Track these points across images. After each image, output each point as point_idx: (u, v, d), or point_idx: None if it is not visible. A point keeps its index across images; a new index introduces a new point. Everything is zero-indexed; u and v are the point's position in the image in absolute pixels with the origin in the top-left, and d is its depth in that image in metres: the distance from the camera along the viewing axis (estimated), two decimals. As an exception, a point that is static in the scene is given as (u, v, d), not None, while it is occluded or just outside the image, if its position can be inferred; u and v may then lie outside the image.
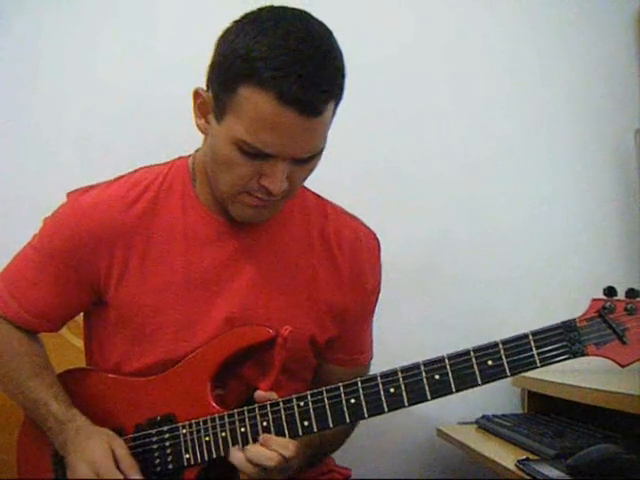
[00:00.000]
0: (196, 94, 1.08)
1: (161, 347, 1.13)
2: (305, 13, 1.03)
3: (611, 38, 2.03)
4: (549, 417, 1.63)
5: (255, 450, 1.02)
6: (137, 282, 1.13)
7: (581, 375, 1.53)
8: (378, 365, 1.30)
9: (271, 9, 1.02)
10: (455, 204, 1.94)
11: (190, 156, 1.20)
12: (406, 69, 1.94)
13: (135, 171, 1.20)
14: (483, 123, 1.98)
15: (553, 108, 2.00)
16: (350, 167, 1.82)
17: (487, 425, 1.65)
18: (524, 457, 1.28)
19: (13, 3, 1.85)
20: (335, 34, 1.03)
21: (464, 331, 1.88)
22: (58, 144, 1.83)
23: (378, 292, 1.27)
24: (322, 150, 1.06)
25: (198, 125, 1.10)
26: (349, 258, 1.20)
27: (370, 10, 1.94)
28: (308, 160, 1.05)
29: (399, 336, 1.79)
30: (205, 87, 1.07)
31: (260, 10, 1.03)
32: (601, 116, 2.01)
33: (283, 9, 1.03)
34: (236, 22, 1.03)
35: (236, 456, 1.04)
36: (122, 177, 1.19)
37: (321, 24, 1.03)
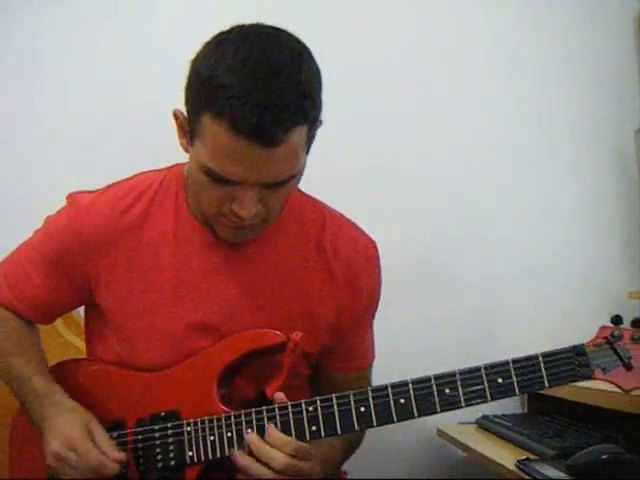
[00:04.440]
0: (175, 115, 1.07)
1: (149, 350, 1.14)
2: (276, 32, 0.99)
3: (611, 38, 2.03)
4: (549, 417, 1.63)
5: (262, 448, 1.01)
6: (125, 286, 1.14)
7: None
8: (376, 364, 1.30)
9: (240, 29, 0.99)
10: (455, 204, 1.94)
11: (186, 164, 1.18)
12: (406, 69, 1.94)
13: (132, 177, 1.21)
14: (483, 123, 1.98)
15: (553, 108, 2.00)
16: (350, 167, 1.82)
17: (487, 425, 1.65)
18: (524, 457, 1.28)
19: (14, 3, 1.86)
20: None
21: (463, 332, 1.88)
22: (58, 144, 1.83)
23: (377, 299, 1.25)
24: (298, 173, 1.03)
25: (181, 144, 1.09)
26: (345, 267, 1.19)
27: (371, 11, 1.93)
28: (282, 184, 1.01)
29: (398, 336, 1.79)
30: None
31: (230, 30, 0.99)
32: (601, 116, 2.01)
33: (253, 28, 0.99)
34: (206, 43, 1.00)
35: (241, 457, 1.03)
36: (119, 183, 1.20)
37: (293, 43, 0.99)
